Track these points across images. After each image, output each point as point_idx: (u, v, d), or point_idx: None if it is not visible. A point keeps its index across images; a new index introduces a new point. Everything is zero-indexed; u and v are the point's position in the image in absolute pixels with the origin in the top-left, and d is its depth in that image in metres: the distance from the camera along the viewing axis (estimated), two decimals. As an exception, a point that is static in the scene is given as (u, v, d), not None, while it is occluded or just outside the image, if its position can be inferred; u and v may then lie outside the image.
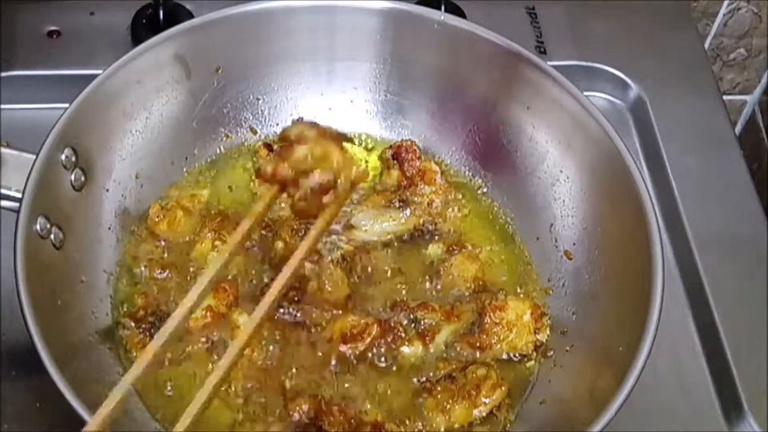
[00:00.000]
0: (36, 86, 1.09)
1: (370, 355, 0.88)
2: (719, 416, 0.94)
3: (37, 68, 1.10)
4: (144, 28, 1.13)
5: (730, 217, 1.07)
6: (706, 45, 1.43)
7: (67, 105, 0.86)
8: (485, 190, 1.02)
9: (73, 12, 1.16)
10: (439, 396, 0.85)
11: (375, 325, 0.88)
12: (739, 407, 0.93)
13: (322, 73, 1.03)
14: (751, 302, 1.00)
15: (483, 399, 0.85)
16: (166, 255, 0.93)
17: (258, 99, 1.03)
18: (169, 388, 0.85)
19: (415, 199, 0.98)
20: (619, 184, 0.90)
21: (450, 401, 0.85)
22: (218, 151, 1.02)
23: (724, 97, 1.21)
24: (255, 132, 1.03)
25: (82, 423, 0.65)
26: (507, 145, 1.00)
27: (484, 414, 0.85)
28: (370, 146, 1.05)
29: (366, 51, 1.02)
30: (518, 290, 0.95)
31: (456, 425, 0.85)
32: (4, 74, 1.09)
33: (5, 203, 0.82)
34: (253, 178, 1.00)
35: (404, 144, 1.00)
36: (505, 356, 0.90)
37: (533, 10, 1.22)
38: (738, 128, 1.56)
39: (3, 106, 1.06)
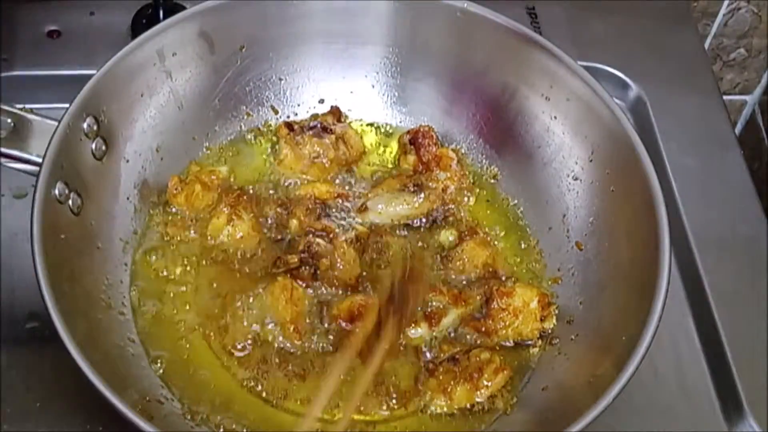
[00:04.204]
0: (36, 86, 1.09)
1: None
2: (719, 416, 0.94)
3: (37, 68, 1.10)
4: (144, 28, 1.12)
5: (730, 217, 1.07)
6: (706, 45, 1.43)
7: (67, 105, 0.86)
8: (500, 178, 1.03)
9: (73, 12, 1.16)
10: (441, 377, 0.86)
11: (381, 308, 0.88)
12: (739, 407, 0.93)
13: (343, 57, 1.04)
14: (751, 302, 1.00)
15: (485, 382, 0.86)
16: (183, 226, 0.95)
17: (281, 79, 1.03)
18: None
19: (430, 184, 0.99)
20: (632, 176, 0.91)
21: (452, 383, 0.86)
22: (239, 129, 1.03)
23: (724, 97, 1.21)
24: (276, 112, 1.04)
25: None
26: (524, 135, 1.01)
27: (486, 397, 0.86)
28: (390, 132, 1.06)
29: (386, 36, 1.03)
30: (527, 278, 0.96)
31: (456, 406, 0.86)
32: (4, 74, 1.09)
33: (27, 167, 0.83)
34: (273, 156, 1.01)
35: (422, 129, 1.01)
36: (510, 342, 0.90)
37: (533, 10, 1.22)
38: (738, 128, 1.56)
39: (3, 106, 1.06)
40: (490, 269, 0.94)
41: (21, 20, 1.14)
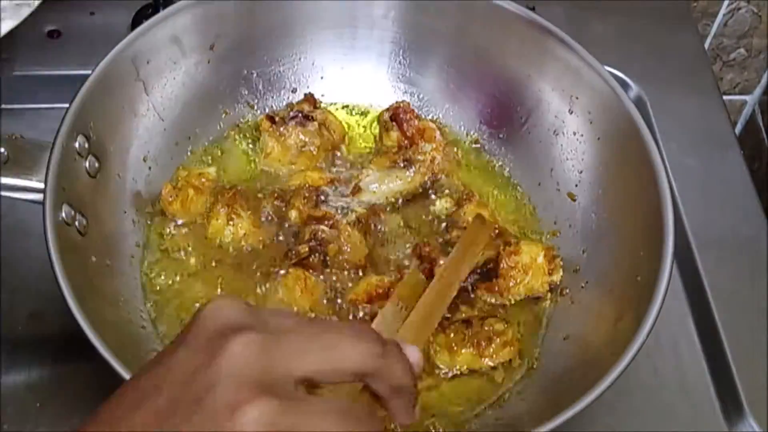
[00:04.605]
0: (36, 86, 1.09)
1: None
2: (719, 416, 0.94)
3: (37, 68, 1.10)
4: (144, 28, 1.13)
5: (730, 217, 1.07)
6: (706, 45, 1.43)
7: (66, 105, 0.86)
8: (481, 142, 1.04)
9: (73, 12, 1.16)
10: (451, 335, 0.87)
11: (398, 279, 0.90)
12: (739, 407, 0.93)
13: (310, 44, 1.04)
14: (751, 302, 1.00)
15: (490, 352, 0.87)
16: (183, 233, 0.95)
17: (252, 73, 1.03)
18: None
19: (419, 157, 1.00)
20: (616, 121, 0.92)
21: (458, 344, 0.87)
22: (219, 128, 1.03)
23: (724, 97, 1.21)
24: (252, 107, 1.04)
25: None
26: (499, 96, 1.02)
27: (489, 366, 0.88)
28: (365, 111, 1.07)
29: (346, 17, 1.03)
30: (527, 235, 0.98)
31: (457, 367, 0.87)
32: (4, 74, 1.09)
33: (28, 195, 0.82)
34: (257, 151, 1.01)
35: (401, 105, 1.02)
36: (523, 297, 0.92)
37: (533, 10, 1.21)
38: (738, 128, 1.56)
39: (3, 106, 1.06)
40: (495, 228, 0.95)
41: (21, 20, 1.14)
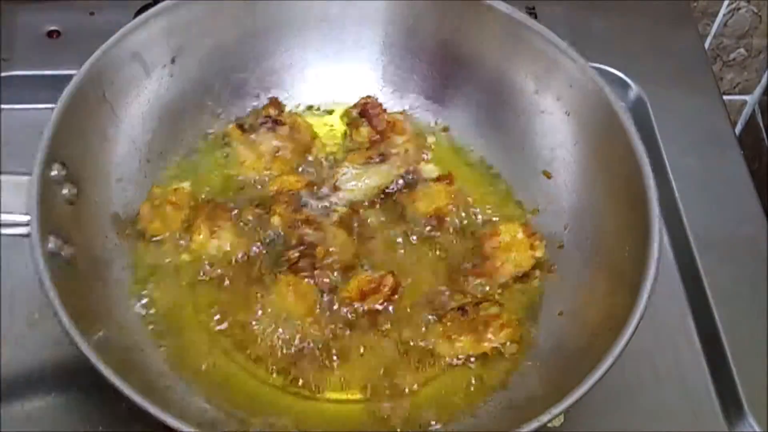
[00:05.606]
0: (36, 86, 1.09)
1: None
2: (719, 416, 0.94)
3: (37, 68, 1.10)
4: (144, 28, 1.13)
5: (730, 217, 1.07)
6: (706, 45, 1.43)
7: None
8: (450, 130, 1.05)
9: (73, 12, 1.16)
10: (448, 324, 0.88)
11: (389, 276, 0.90)
12: (739, 407, 0.93)
13: (269, 48, 1.04)
14: (751, 302, 1.00)
15: (489, 336, 0.88)
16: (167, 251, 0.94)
17: (213, 83, 1.02)
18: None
19: (392, 150, 1.00)
20: (585, 97, 0.94)
21: (457, 332, 0.88)
22: (188, 141, 1.02)
23: (724, 97, 1.21)
24: (217, 116, 1.03)
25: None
26: (463, 85, 1.03)
27: (489, 349, 0.88)
28: (330, 110, 1.07)
29: (308, 17, 1.04)
30: (506, 217, 0.99)
31: (458, 355, 0.88)
32: (4, 74, 1.09)
33: (12, 230, 0.81)
34: (229, 160, 1.00)
35: (369, 101, 1.03)
36: (512, 276, 0.94)
37: (533, 10, 1.22)
38: (738, 128, 1.56)
39: (3, 106, 1.06)
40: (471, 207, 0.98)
41: (21, 20, 1.14)
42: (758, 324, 0.98)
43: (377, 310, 0.90)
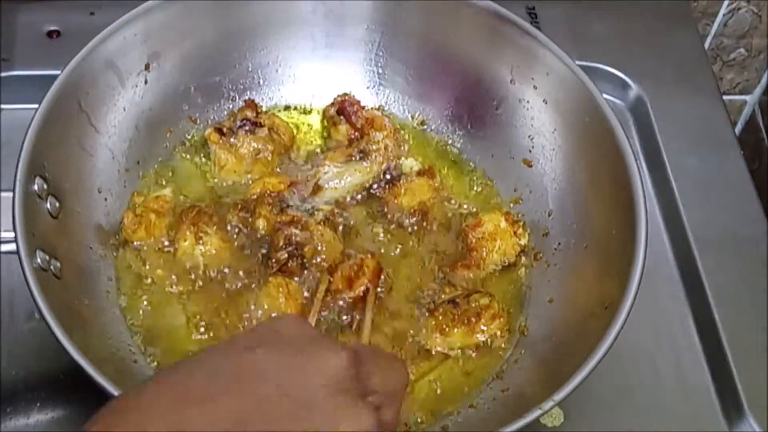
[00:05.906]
0: (36, 86, 1.08)
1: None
2: (719, 416, 0.94)
3: (37, 68, 1.10)
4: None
5: (730, 217, 1.07)
6: (706, 45, 1.43)
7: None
8: (428, 123, 1.06)
9: (73, 12, 1.16)
10: (440, 317, 0.89)
11: (369, 257, 0.91)
12: (739, 407, 0.93)
13: (243, 50, 1.04)
14: (751, 302, 1.00)
15: (481, 327, 0.89)
16: (153, 260, 0.93)
17: (189, 87, 1.02)
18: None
19: (372, 147, 1.00)
20: (561, 84, 0.95)
21: (449, 325, 0.88)
22: (166, 147, 1.01)
23: (724, 97, 1.21)
24: (195, 121, 1.03)
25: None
26: (440, 76, 1.04)
27: (482, 340, 0.89)
28: (307, 109, 1.07)
29: (283, 19, 1.04)
30: (488, 207, 1.00)
31: (451, 347, 0.89)
32: (4, 74, 1.09)
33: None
34: (208, 165, 1.00)
35: (346, 98, 1.03)
36: (499, 267, 0.94)
37: (533, 10, 1.22)
38: (738, 128, 1.56)
39: (3, 106, 1.06)
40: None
41: (21, 20, 1.14)
42: (758, 324, 0.98)
43: (367, 291, 0.89)
